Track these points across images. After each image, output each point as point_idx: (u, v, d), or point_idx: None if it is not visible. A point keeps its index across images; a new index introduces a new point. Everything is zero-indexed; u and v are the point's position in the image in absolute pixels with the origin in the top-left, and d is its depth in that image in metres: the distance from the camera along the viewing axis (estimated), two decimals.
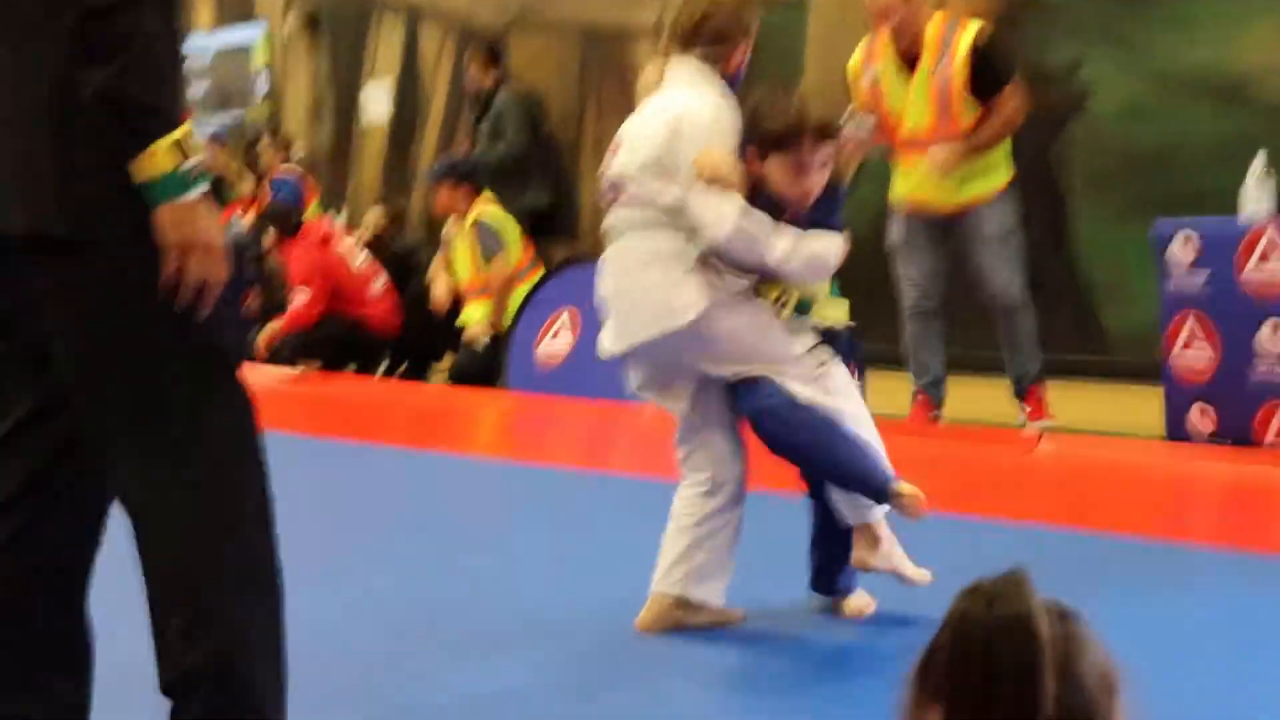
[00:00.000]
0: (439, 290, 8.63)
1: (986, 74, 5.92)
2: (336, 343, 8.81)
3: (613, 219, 3.58)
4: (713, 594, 3.53)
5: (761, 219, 3.38)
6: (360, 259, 9.10)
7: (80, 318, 2.22)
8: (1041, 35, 7.43)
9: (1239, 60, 6.94)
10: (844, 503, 3.49)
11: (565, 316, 8.01)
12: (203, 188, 2.20)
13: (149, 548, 2.25)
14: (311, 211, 9.57)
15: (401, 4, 10.87)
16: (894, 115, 6.03)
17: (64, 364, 2.26)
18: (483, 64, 9.61)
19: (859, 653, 3.41)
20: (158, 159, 2.14)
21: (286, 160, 10.68)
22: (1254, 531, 4.69)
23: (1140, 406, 6.19)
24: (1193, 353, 5.70)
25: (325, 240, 9.01)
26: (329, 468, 5.94)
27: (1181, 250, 5.72)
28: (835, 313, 3.61)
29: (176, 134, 2.15)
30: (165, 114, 2.15)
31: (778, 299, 3.48)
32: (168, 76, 2.18)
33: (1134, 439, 5.86)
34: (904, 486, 3.37)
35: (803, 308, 3.51)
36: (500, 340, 8.33)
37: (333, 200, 11.02)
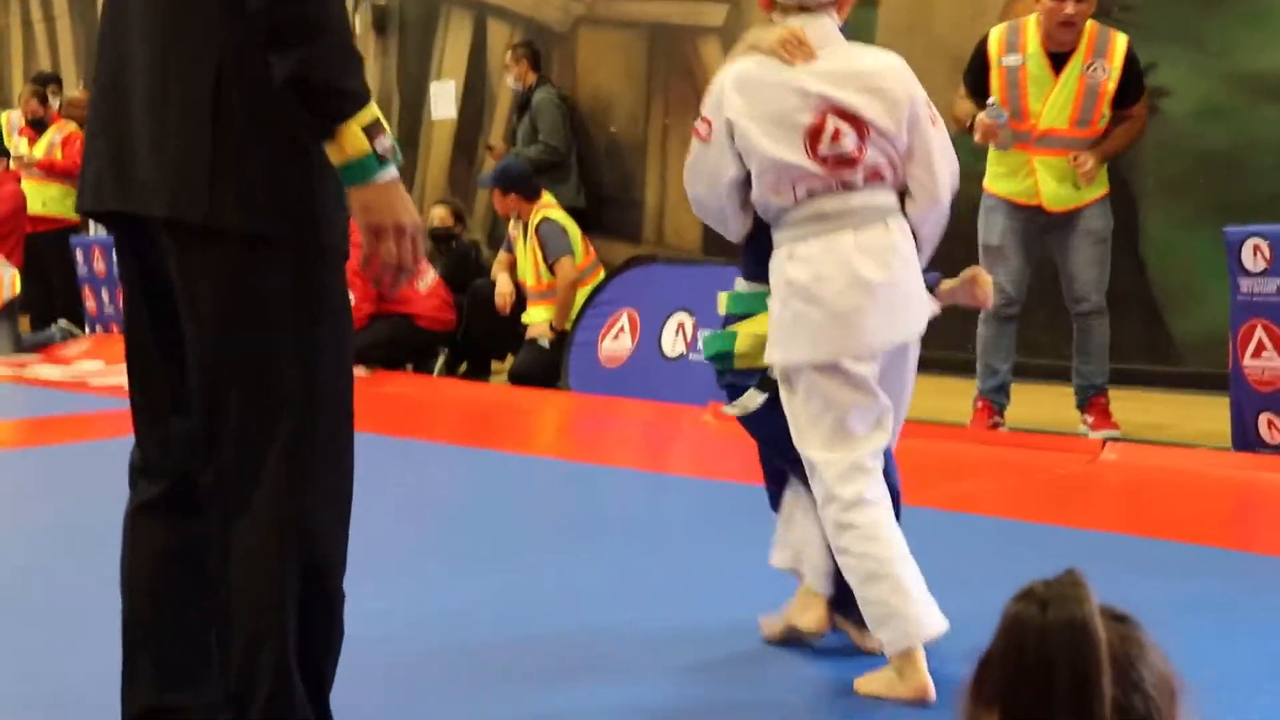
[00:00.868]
0: (502, 289, 8.64)
1: (1133, 83, 6.04)
2: (388, 344, 8.79)
3: (846, 202, 3.16)
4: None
5: None
6: None
7: (210, 306, 2.22)
8: None
9: None
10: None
11: (625, 318, 8.00)
12: (394, 169, 2.19)
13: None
14: None
15: (470, 3, 10.91)
16: (1031, 110, 6.03)
17: (189, 347, 2.27)
18: (524, 64, 9.63)
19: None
20: (351, 141, 2.13)
21: None
22: None
23: (1209, 415, 6.11)
24: (1262, 361, 5.62)
25: None
26: (412, 468, 5.96)
27: (1251, 257, 5.64)
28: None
29: (366, 116, 2.15)
30: (355, 96, 2.14)
31: None
32: (356, 58, 2.17)
33: (1200, 448, 5.78)
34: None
35: None
36: (561, 341, 8.34)
37: None
